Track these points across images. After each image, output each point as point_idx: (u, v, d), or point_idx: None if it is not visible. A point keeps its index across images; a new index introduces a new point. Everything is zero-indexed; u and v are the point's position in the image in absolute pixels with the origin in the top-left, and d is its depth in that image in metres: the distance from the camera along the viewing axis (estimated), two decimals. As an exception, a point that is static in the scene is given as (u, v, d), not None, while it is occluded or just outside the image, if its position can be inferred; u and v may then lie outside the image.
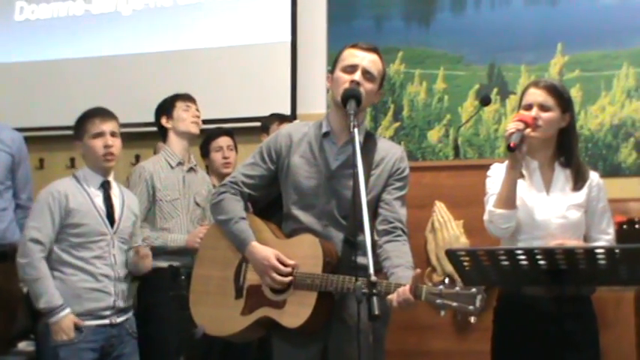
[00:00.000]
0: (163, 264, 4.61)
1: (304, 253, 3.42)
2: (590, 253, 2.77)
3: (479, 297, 3.04)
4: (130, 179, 4.80)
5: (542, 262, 2.79)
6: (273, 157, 3.60)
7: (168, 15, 6.91)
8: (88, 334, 3.98)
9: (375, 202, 3.49)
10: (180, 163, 4.83)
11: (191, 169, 4.91)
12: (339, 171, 3.47)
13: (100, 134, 4.16)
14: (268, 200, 3.72)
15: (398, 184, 3.52)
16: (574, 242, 3.41)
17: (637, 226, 4.92)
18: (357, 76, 3.43)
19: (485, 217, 3.53)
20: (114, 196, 4.20)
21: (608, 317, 4.29)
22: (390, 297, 3.20)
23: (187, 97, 4.98)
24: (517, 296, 3.39)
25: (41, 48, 7.19)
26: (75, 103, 6.88)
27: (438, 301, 3.10)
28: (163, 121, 4.91)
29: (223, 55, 6.66)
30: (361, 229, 3.03)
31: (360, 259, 3.38)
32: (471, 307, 3.04)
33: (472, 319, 3.09)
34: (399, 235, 3.45)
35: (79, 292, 4.00)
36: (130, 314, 4.21)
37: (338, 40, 6.16)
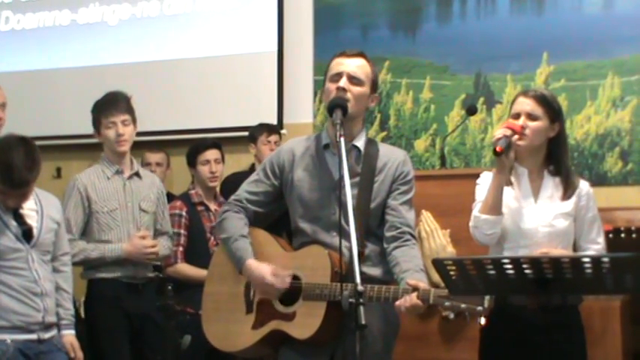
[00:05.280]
0: (105, 275, 4.50)
1: (312, 264, 3.41)
2: (576, 262, 2.78)
3: (487, 297, 3.04)
4: (65, 192, 4.59)
5: (528, 271, 2.79)
6: (276, 172, 3.59)
7: (154, 25, 6.91)
8: (16, 350, 3.79)
9: (381, 209, 3.48)
10: (118, 172, 4.60)
11: (134, 175, 4.67)
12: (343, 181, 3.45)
13: None
14: (277, 216, 3.71)
15: (403, 189, 3.50)
16: (559, 251, 3.41)
17: (622, 235, 4.95)
18: (342, 82, 3.42)
19: (471, 222, 3.54)
20: (29, 209, 3.93)
21: (595, 326, 4.30)
22: (397, 303, 3.20)
23: (110, 109, 4.56)
24: (504, 305, 3.39)
25: (27, 58, 7.19)
26: (61, 113, 6.95)
27: (447, 303, 3.09)
28: (95, 135, 4.66)
29: (210, 65, 6.66)
30: (348, 238, 3.02)
31: (369, 270, 3.39)
32: (479, 308, 3.04)
33: (482, 320, 3.09)
34: (407, 240, 3.42)
35: (5, 307, 3.79)
36: (55, 331, 3.98)
37: (324, 49, 6.18)
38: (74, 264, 4.52)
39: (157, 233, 4.72)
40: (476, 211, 3.52)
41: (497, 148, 3.37)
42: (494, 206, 3.46)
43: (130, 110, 4.63)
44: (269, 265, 3.45)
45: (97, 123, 4.60)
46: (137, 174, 4.69)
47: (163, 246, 4.70)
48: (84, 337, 4.23)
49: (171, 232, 4.86)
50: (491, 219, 3.47)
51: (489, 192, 3.48)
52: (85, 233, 4.53)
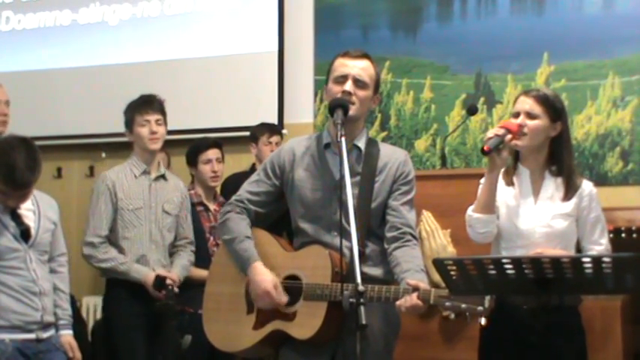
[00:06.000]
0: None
1: (313, 264, 3.40)
2: (576, 262, 2.77)
3: (487, 297, 3.03)
4: (94, 188, 4.72)
5: (528, 272, 2.79)
6: (277, 172, 3.58)
7: (155, 25, 6.91)
8: (15, 349, 3.80)
9: (382, 209, 3.48)
10: (145, 172, 4.72)
11: (160, 177, 4.79)
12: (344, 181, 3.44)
13: None
14: (278, 216, 3.71)
15: (404, 189, 3.49)
16: (556, 250, 3.40)
17: (623, 235, 4.95)
18: (348, 86, 3.41)
19: (466, 221, 3.55)
20: (26, 210, 3.95)
21: (595, 326, 4.30)
22: (398, 303, 3.19)
23: (145, 108, 4.72)
24: (504, 306, 3.39)
25: (27, 58, 7.18)
26: (61, 113, 6.95)
27: (448, 303, 3.09)
28: (126, 134, 4.78)
29: (210, 65, 6.66)
30: (349, 238, 3.02)
31: (369, 270, 3.40)
32: (480, 308, 3.03)
33: (482, 321, 3.08)
34: (408, 241, 3.41)
35: (3, 306, 3.81)
36: (53, 331, 4.00)
37: (325, 49, 6.18)
38: (100, 268, 4.60)
39: (179, 237, 4.83)
40: (469, 210, 3.53)
41: (485, 148, 3.37)
42: (487, 205, 3.47)
43: (164, 112, 4.79)
44: (274, 276, 3.45)
45: (130, 121, 4.72)
46: (163, 176, 4.81)
47: (183, 266, 4.77)
48: (81, 337, 4.25)
49: (192, 237, 4.91)
50: (484, 218, 3.47)
51: (482, 191, 3.50)
52: (110, 229, 4.63)
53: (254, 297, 3.47)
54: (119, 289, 4.62)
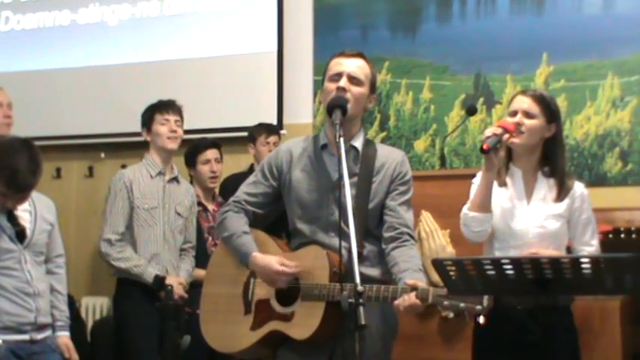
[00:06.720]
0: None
1: (311, 264, 3.40)
2: (575, 262, 2.78)
3: (486, 296, 3.03)
4: (111, 186, 4.77)
5: (528, 272, 2.79)
6: (275, 173, 3.58)
7: (154, 25, 6.91)
8: (8, 350, 3.78)
9: (380, 209, 3.48)
10: (160, 173, 4.79)
11: (173, 180, 4.86)
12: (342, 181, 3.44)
13: None
14: (276, 217, 3.71)
15: (401, 189, 3.49)
16: (549, 251, 3.41)
17: (622, 235, 4.95)
18: (343, 82, 3.41)
19: (461, 220, 3.55)
20: (22, 210, 3.94)
21: (594, 327, 4.30)
22: (396, 302, 3.19)
23: (166, 108, 4.86)
24: (498, 306, 3.38)
25: (27, 58, 7.18)
26: (61, 113, 6.95)
27: (446, 302, 3.08)
28: (144, 133, 4.87)
29: (209, 65, 6.66)
30: (347, 238, 3.03)
31: (367, 270, 3.39)
32: (478, 307, 3.03)
33: (481, 320, 3.08)
34: (405, 241, 3.42)
35: None
36: (49, 332, 3.99)
37: (324, 50, 6.18)
38: (113, 267, 4.62)
39: (184, 241, 4.89)
40: (465, 209, 3.53)
41: (484, 146, 3.38)
42: (482, 204, 3.47)
43: (182, 116, 4.92)
44: (275, 256, 3.44)
45: (149, 120, 4.84)
46: (176, 179, 4.89)
47: (188, 272, 4.85)
48: (80, 337, 4.25)
49: (195, 242, 4.98)
50: (479, 216, 3.48)
51: (478, 190, 3.50)
52: (126, 227, 4.69)
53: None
54: (130, 287, 4.67)
